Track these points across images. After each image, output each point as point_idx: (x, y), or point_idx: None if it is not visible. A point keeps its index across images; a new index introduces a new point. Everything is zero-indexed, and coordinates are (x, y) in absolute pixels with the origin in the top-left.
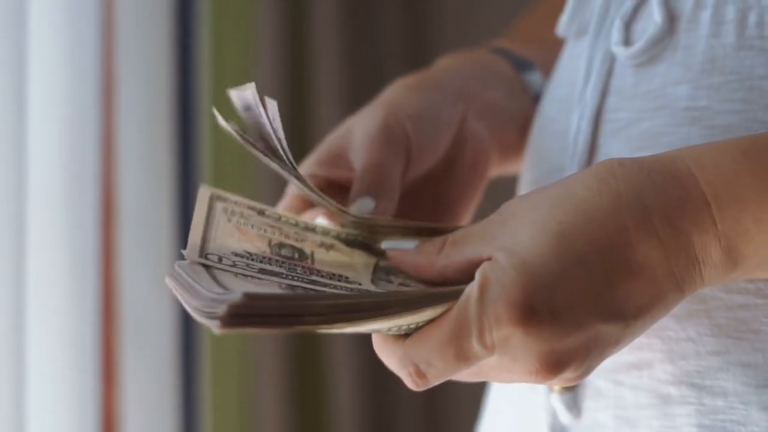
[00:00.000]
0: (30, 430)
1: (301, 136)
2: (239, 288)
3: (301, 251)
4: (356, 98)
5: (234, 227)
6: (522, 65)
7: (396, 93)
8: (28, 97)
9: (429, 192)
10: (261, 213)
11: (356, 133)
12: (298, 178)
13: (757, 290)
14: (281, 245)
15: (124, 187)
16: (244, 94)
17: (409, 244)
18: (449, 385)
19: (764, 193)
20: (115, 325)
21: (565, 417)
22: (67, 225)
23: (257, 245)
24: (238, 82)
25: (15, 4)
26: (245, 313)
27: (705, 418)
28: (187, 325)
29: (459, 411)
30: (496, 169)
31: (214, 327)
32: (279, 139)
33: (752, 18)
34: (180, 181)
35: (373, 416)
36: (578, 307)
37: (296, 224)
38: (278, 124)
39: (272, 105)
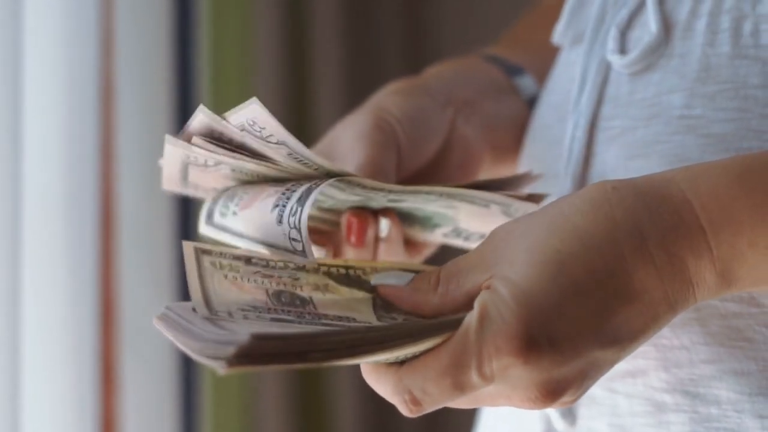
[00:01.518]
0: None
1: (301, 136)
2: (239, 328)
3: (301, 298)
4: (356, 99)
5: (230, 283)
6: (512, 70)
7: (382, 98)
8: (25, 100)
9: None
10: (248, 261)
11: (344, 139)
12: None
13: (750, 299)
14: (279, 293)
15: (123, 191)
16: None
17: (397, 277)
18: None
19: (759, 217)
20: (115, 330)
21: (559, 425)
22: (65, 229)
23: (256, 297)
24: (238, 83)
25: (12, 5)
26: (252, 353)
27: (699, 426)
28: None
29: (459, 419)
30: (490, 172)
31: (218, 368)
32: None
33: (747, 27)
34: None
35: (374, 422)
36: (577, 335)
37: (285, 266)
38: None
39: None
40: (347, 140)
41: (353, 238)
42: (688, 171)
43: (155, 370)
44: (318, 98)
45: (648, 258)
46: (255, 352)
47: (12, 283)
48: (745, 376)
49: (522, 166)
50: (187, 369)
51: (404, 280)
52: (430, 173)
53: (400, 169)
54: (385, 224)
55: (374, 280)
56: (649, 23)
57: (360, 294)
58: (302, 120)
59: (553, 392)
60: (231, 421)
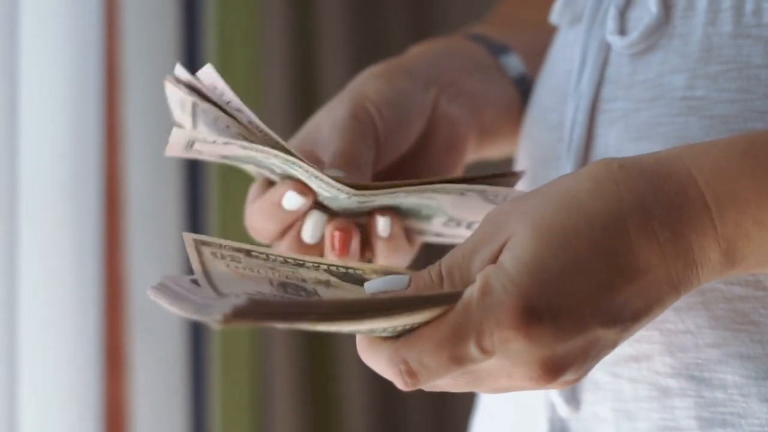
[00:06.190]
0: (25, 423)
1: None
2: (234, 289)
3: (306, 290)
4: None
5: (231, 272)
6: (497, 49)
7: (363, 83)
8: (24, 84)
9: (404, 176)
10: (248, 254)
11: (324, 127)
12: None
13: (756, 282)
14: (284, 284)
15: (129, 172)
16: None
17: (392, 282)
18: None
19: (764, 195)
20: (123, 316)
21: (564, 410)
22: (70, 212)
23: (260, 286)
24: (245, 71)
25: None
26: (247, 313)
27: (704, 410)
28: None
29: (462, 404)
30: (476, 153)
31: (213, 323)
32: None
33: (749, 6)
34: (188, 169)
35: (382, 412)
36: (580, 312)
37: (285, 261)
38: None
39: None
40: (325, 129)
41: (336, 252)
42: (693, 148)
43: (164, 355)
44: (325, 95)
45: (652, 236)
46: (250, 312)
47: (13, 266)
48: (751, 359)
49: (522, 148)
50: (197, 355)
51: (401, 283)
52: (414, 156)
53: (380, 157)
54: (384, 223)
55: (368, 288)
56: (649, 3)
57: (362, 291)
58: (309, 116)
59: (554, 369)
60: (240, 407)
